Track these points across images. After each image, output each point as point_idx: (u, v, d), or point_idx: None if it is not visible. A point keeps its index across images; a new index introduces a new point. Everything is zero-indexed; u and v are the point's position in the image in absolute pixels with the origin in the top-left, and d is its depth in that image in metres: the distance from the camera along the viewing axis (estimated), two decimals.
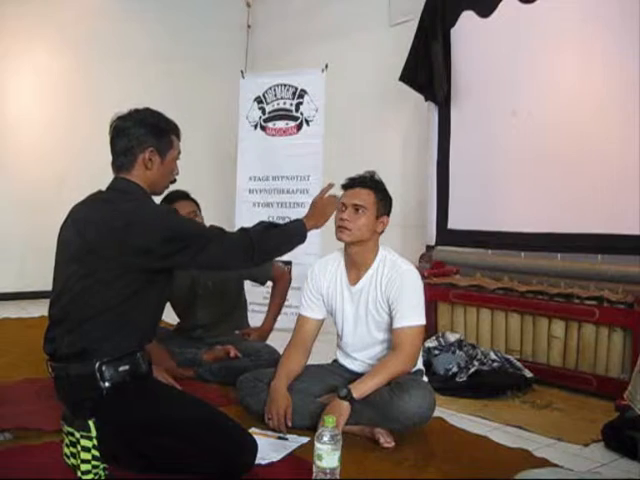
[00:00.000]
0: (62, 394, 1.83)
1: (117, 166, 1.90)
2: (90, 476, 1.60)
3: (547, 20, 3.30)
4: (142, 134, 1.85)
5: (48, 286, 5.46)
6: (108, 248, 1.74)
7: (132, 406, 1.73)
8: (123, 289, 1.75)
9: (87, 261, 1.76)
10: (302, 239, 2.02)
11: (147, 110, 1.92)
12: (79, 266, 1.77)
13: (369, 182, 2.22)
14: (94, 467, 1.60)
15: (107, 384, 1.71)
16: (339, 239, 2.19)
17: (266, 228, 1.95)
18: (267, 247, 1.93)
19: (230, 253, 1.89)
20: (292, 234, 2.01)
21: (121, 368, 1.74)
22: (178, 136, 1.96)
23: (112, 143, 1.90)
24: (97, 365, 1.70)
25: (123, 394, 1.73)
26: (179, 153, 1.96)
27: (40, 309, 4.59)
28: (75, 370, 1.73)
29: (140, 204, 1.84)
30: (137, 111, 1.90)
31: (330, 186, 2.17)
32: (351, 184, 2.22)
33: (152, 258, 1.75)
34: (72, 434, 1.60)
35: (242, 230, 1.94)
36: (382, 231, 2.24)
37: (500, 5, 3.51)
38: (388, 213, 2.25)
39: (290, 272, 3.20)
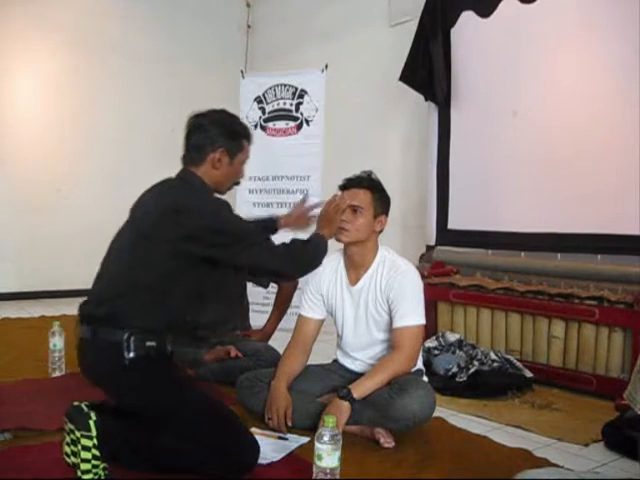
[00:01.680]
0: (84, 360, 1.85)
1: (187, 160, 1.97)
2: (90, 476, 1.60)
3: (547, 20, 3.30)
4: (216, 134, 1.93)
5: (48, 286, 5.48)
6: (158, 228, 1.80)
7: (150, 382, 1.76)
8: (165, 269, 1.79)
9: (137, 238, 1.83)
10: (326, 250, 2.12)
11: (224, 112, 2.01)
12: (129, 241, 1.85)
13: (366, 182, 2.22)
14: (94, 467, 1.61)
15: (132, 355, 1.73)
16: (338, 240, 2.20)
17: (303, 242, 2.04)
18: (306, 259, 2.04)
19: (273, 259, 1.94)
20: (321, 247, 2.10)
21: (148, 343, 1.76)
22: (249, 142, 2.04)
23: (187, 137, 1.98)
24: (126, 335, 1.73)
25: (144, 369, 1.76)
26: (247, 158, 2.04)
27: (40, 309, 4.59)
28: (103, 334, 1.76)
29: (199, 193, 1.90)
30: (215, 111, 1.98)
31: (334, 197, 2.21)
32: (348, 185, 2.23)
33: (198, 245, 1.80)
34: (73, 432, 1.61)
35: (283, 243, 2.00)
36: (381, 230, 2.24)
37: (500, 5, 3.51)
38: (386, 212, 2.24)
39: None
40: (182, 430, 1.70)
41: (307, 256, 2.05)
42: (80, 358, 1.86)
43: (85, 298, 1.89)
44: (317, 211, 2.32)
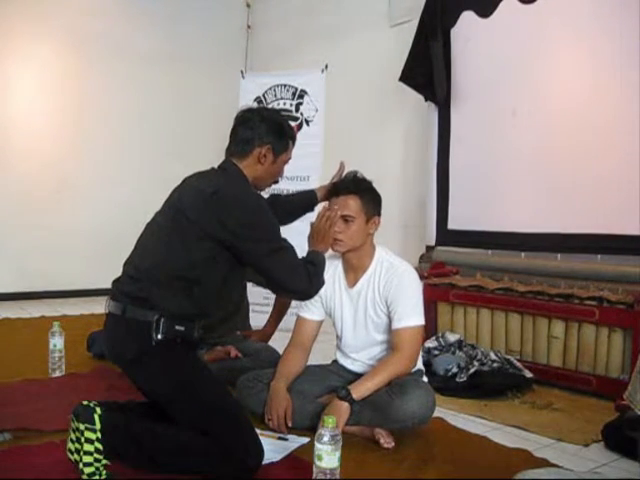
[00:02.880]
0: (110, 335, 1.86)
1: (232, 151, 2.01)
2: (91, 469, 1.61)
3: (547, 20, 3.30)
4: (265, 130, 1.97)
5: (48, 286, 5.47)
6: (195, 212, 1.83)
7: (172, 367, 1.77)
8: (195, 253, 1.81)
9: (174, 219, 1.86)
10: (325, 267, 2.12)
11: (274, 110, 2.08)
12: (166, 222, 1.88)
13: (352, 187, 2.15)
14: (96, 460, 1.62)
15: (159, 336, 1.74)
16: (334, 250, 2.18)
17: (314, 263, 2.04)
18: (319, 279, 2.05)
19: (293, 273, 1.93)
20: (324, 266, 2.11)
21: (177, 327, 1.78)
22: (294, 143, 2.08)
23: (234, 130, 2.02)
24: (156, 317, 1.74)
25: (170, 352, 1.77)
26: (289, 159, 2.08)
27: (40, 309, 4.59)
28: (133, 313, 1.77)
29: (239, 184, 1.93)
30: (265, 109, 2.06)
31: (325, 210, 2.16)
32: (335, 192, 2.18)
33: (228, 234, 1.81)
34: (78, 428, 1.62)
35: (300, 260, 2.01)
36: (375, 230, 2.22)
37: (500, 5, 3.51)
38: (378, 212, 2.20)
39: None
40: (193, 420, 1.71)
41: (319, 277, 2.05)
42: (106, 332, 1.89)
43: (125, 267, 1.91)
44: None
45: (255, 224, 1.85)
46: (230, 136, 2.03)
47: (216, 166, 2.04)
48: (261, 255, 1.87)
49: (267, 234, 1.89)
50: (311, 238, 2.13)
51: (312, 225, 2.15)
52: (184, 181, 2.02)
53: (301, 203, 2.38)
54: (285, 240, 1.95)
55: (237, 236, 1.82)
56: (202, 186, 1.90)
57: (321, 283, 2.08)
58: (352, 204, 2.13)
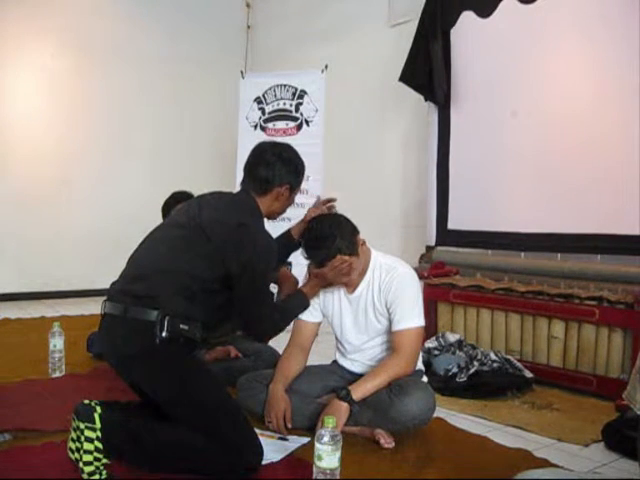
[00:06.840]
0: (108, 336, 1.87)
1: (250, 187, 2.07)
2: (91, 468, 1.62)
3: (547, 20, 3.31)
4: (285, 171, 2.06)
5: (48, 286, 5.48)
6: (216, 234, 1.88)
7: (174, 366, 1.78)
8: (204, 271, 1.85)
9: (192, 233, 1.90)
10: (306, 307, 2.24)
11: (291, 150, 2.12)
12: (181, 231, 1.92)
13: (327, 256, 2.08)
14: (96, 459, 1.62)
15: (164, 334, 1.75)
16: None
17: (285, 311, 2.13)
18: (281, 327, 2.11)
19: (261, 321, 2.00)
20: (297, 312, 2.23)
21: (181, 326, 1.79)
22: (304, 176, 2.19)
23: (252, 167, 2.08)
24: (160, 316, 1.76)
25: (172, 351, 1.79)
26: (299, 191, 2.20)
27: (40, 309, 4.59)
28: (135, 314, 1.78)
29: (262, 228, 2.00)
30: (285, 150, 2.09)
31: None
32: (317, 264, 2.15)
33: (232, 262, 1.86)
34: (78, 427, 1.63)
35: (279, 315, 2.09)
36: (364, 243, 2.18)
37: (500, 5, 3.51)
38: (357, 233, 2.16)
39: (290, 272, 3.19)
40: (192, 420, 1.72)
41: (285, 323, 2.13)
42: (103, 334, 1.90)
43: (128, 267, 1.93)
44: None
45: (257, 270, 1.89)
46: (246, 170, 2.09)
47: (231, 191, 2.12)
48: (242, 295, 1.92)
49: (260, 283, 1.95)
50: (307, 282, 2.21)
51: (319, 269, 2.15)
52: (202, 197, 2.07)
53: (284, 247, 2.34)
54: (270, 298, 2.06)
55: (239, 269, 1.86)
56: (227, 213, 1.95)
57: (281, 328, 2.13)
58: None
